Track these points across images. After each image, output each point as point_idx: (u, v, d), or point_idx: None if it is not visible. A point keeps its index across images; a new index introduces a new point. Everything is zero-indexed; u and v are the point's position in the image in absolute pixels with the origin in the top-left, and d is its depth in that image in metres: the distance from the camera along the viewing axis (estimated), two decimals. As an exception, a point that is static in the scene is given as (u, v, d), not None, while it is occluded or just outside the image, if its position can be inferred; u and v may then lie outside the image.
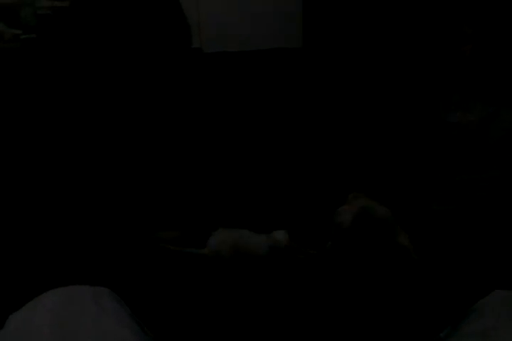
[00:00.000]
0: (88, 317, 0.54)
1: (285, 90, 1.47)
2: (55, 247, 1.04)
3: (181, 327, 0.81)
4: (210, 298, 0.89)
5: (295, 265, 0.97)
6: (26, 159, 1.29)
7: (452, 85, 1.02)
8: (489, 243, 0.93)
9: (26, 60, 1.54)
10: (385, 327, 0.81)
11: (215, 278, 0.93)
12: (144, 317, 0.64)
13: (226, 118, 1.40)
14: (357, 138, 1.19)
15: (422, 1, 1.11)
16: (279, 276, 0.95)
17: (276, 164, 1.32)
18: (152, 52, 1.31)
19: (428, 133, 1.05)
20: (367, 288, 0.88)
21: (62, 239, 1.06)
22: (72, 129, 1.27)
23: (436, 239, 0.97)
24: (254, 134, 1.39)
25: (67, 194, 1.17)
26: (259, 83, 1.48)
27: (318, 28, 1.68)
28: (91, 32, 1.31)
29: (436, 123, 1.03)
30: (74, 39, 1.34)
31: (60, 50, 1.37)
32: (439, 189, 1.04)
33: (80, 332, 0.52)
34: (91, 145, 1.25)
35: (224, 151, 1.35)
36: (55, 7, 1.76)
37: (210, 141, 1.35)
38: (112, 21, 1.29)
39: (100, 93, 1.26)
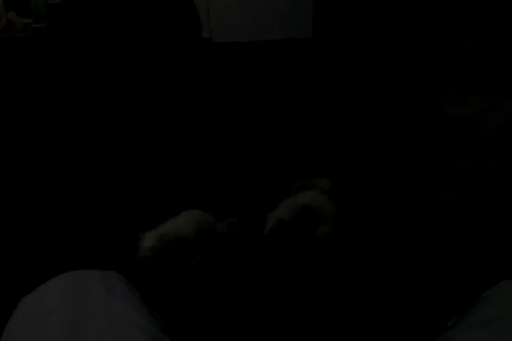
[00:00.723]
0: (97, 300, 0.55)
1: (294, 80, 1.46)
2: (68, 236, 1.06)
3: (188, 313, 0.82)
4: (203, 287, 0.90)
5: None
6: (30, 152, 1.30)
7: (451, 79, 1.02)
8: (495, 234, 0.93)
9: (37, 48, 1.55)
10: (390, 318, 0.82)
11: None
12: (152, 302, 0.65)
13: (234, 108, 1.40)
14: (360, 129, 1.19)
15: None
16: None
17: (283, 155, 1.33)
18: (161, 43, 1.31)
19: (428, 125, 1.05)
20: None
21: (71, 230, 1.07)
22: (80, 117, 1.28)
23: (442, 230, 0.97)
24: (262, 125, 1.39)
25: (71, 187, 1.19)
26: (268, 73, 1.48)
27: (328, 19, 1.67)
28: (101, 21, 1.32)
29: (435, 116, 1.04)
30: (84, 28, 1.35)
31: (70, 38, 1.37)
32: (444, 180, 1.04)
33: (89, 314, 0.53)
34: (95, 136, 1.26)
35: (230, 141, 1.35)
36: (65, -4, 1.76)
37: (217, 132, 1.35)
38: (122, 11, 1.30)
39: (109, 81, 1.26)
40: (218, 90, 1.42)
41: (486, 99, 0.99)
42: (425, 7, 1.10)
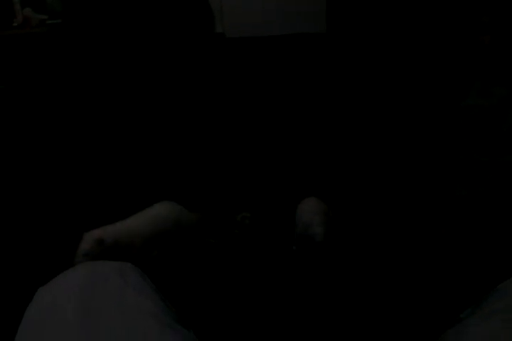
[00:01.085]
0: (113, 290, 0.56)
1: (308, 75, 1.46)
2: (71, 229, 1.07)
3: (203, 305, 0.83)
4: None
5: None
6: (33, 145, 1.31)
7: (474, 72, 1.01)
8: (509, 227, 0.93)
9: (52, 44, 1.56)
10: (404, 310, 0.82)
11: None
12: (167, 295, 0.66)
13: (246, 103, 1.40)
14: (374, 123, 1.19)
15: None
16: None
17: (294, 149, 1.33)
18: (175, 37, 1.32)
19: (448, 117, 1.04)
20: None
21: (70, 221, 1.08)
22: (94, 112, 1.29)
23: (459, 223, 0.97)
24: (274, 119, 1.39)
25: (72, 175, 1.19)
26: (281, 68, 1.48)
27: (341, 13, 1.66)
28: (115, 17, 1.33)
29: (456, 108, 1.03)
30: (99, 24, 1.36)
31: (85, 34, 1.38)
32: (462, 174, 1.03)
33: (104, 305, 0.54)
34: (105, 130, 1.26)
35: (242, 135, 1.35)
36: (80, -8, 1.77)
37: (230, 127, 1.35)
38: (137, 6, 1.30)
39: (122, 76, 1.27)
40: (231, 85, 1.42)
41: (508, 91, 0.98)
42: (445, 1, 1.09)
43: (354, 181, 1.11)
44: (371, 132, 1.19)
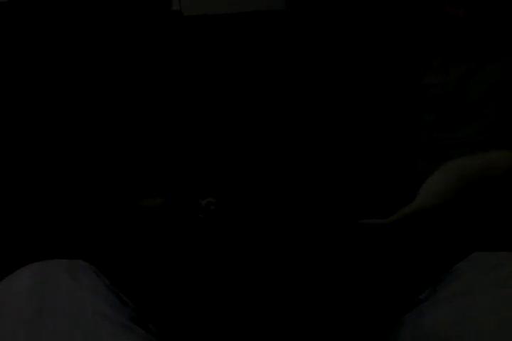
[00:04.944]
0: (64, 294, 0.54)
1: (267, 54, 1.43)
2: (35, 215, 1.03)
3: (163, 297, 0.82)
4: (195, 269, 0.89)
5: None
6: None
7: (432, 49, 1.01)
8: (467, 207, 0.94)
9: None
10: (362, 291, 0.83)
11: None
12: (124, 287, 0.64)
13: (206, 84, 1.36)
14: (339, 100, 1.18)
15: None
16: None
17: (262, 133, 1.31)
18: (128, 16, 1.26)
19: (406, 95, 1.05)
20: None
21: (42, 207, 1.04)
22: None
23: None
24: (235, 100, 1.36)
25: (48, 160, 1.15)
26: (240, 47, 1.44)
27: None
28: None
29: (414, 86, 1.03)
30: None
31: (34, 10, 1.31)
32: (425, 147, 1.04)
33: (56, 309, 0.52)
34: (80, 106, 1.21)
35: (208, 117, 1.32)
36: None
37: (195, 108, 1.32)
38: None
39: (73, 55, 1.22)
40: (189, 65, 1.38)
41: (468, 65, 0.98)
42: None
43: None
44: (331, 111, 1.18)
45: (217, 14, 1.57)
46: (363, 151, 1.10)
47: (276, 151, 1.21)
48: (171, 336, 0.70)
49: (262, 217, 1.01)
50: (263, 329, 0.79)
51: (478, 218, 0.90)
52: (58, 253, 0.71)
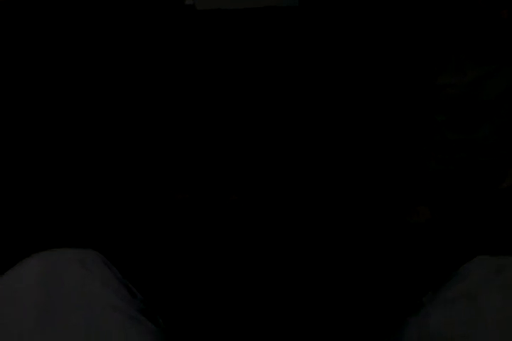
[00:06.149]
0: (74, 282, 0.54)
1: (280, 50, 1.43)
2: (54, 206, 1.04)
3: (172, 289, 0.82)
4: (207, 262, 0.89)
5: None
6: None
7: (448, 49, 1.00)
8: (481, 206, 0.94)
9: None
10: (366, 292, 0.83)
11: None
12: (135, 278, 0.64)
13: (219, 78, 1.36)
14: (353, 97, 1.18)
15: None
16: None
17: (279, 128, 1.31)
18: (142, 10, 1.26)
19: (420, 95, 1.04)
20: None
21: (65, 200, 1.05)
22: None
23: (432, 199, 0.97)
24: (249, 95, 1.36)
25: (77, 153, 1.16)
26: (253, 42, 1.44)
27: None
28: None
29: (427, 86, 1.02)
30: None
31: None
32: (436, 148, 1.03)
33: (63, 297, 0.52)
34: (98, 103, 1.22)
35: (225, 114, 1.32)
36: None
37: (208, 104, 1.32)
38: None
39: (82, 51, 1.22)
40: (202, 59, 1.38)
41: (486, 67, 0.97)
42: None
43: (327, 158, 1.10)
44: (344, 109, 1.17)
45: (230, 9, 1.57)
46: (375, 151, 1.10)
47: (293, 153, 1.22)
48: (179, 327, 0.70)
49: (278, 214, 1.02)
50: (271, 325, 0.79)
51: (482, 221, 0.90)
52: (67, 241, 0.72)
